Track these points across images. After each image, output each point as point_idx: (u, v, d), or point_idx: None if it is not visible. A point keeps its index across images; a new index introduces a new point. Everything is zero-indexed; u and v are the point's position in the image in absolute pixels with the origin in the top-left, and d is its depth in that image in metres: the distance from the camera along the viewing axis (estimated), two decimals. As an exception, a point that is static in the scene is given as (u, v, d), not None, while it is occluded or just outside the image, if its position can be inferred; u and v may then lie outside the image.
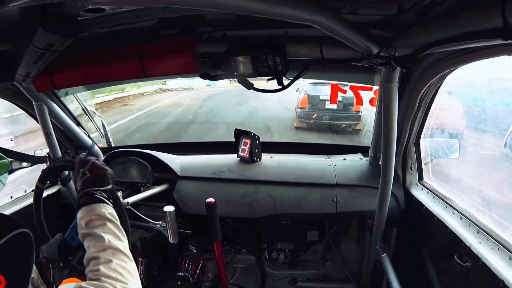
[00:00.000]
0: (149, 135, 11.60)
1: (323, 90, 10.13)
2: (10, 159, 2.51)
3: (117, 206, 1.68)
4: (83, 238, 1.41)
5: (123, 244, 1.41)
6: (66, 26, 1.50)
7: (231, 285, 3.27)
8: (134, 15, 1.79)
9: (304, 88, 10.91)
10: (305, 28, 1.76)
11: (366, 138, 9.61)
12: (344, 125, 10.66)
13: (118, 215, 1.56)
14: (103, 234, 1.38)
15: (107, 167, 1.63)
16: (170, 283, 2.99)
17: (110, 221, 1.45)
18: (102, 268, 1.27)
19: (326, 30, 1.53)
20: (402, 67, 1.72)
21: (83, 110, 3.42)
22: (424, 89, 2.18)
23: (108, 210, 1.48)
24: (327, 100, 10.16)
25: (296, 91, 11.02)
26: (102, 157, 3.34)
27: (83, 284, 1.19)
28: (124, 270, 1.30)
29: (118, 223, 1.47)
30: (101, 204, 1.48)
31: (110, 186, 1.60)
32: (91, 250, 1.35)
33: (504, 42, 1.14)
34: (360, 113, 10.30)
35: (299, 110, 11.08)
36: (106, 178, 1.59)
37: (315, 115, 10.70)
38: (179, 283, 2.90)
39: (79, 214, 1.46)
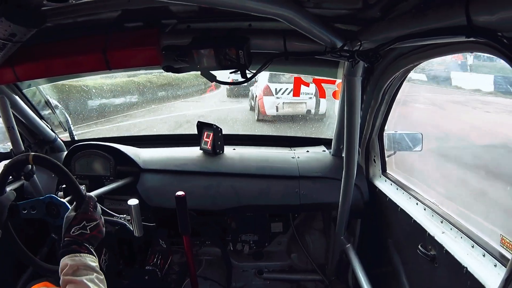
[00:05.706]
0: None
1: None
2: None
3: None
4: (66, 283, 1.43)
5: None
6: (28, 16, 1.45)
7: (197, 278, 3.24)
8: (98, 5, 1.73)
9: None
10: (269, 22, 1.74)
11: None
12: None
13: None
14: (89, 284, 1.42)
15: (103, 233, 1.69)
16: (136, 278, 2.93)
17: (98, 273, 1.50)
18: None
19: (290, 24, 1.52)
20: (366, 62, 1.72)
21: (46, 102, 3.25)
22: (388, 82, 2.20)
23: (96, 263, 1.53)
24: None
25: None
26: (65, 151, 3.19)
27: None
28: None
29: (103, 277, 1.51)
30: (92, 256, 1.54)
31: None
32: None
33: (467, 39, 1.17)
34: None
35: None
36: (98, 240, 1.64)
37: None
38: (146, 277, 2.85)
39: (68, 260, 1.48)
